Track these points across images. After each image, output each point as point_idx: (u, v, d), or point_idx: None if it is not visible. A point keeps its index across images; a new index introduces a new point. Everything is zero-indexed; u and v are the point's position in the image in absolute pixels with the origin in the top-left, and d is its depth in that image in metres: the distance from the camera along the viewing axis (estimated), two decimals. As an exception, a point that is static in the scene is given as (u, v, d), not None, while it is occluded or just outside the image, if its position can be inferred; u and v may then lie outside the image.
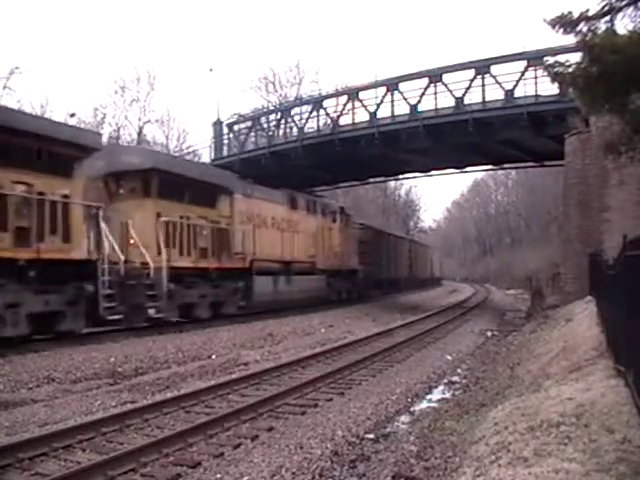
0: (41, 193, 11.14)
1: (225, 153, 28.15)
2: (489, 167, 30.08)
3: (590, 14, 6.74)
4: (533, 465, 3.63)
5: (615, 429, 4.00)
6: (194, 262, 15.74)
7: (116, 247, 12.55)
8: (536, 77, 18.27)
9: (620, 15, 6.85)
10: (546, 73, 8.65)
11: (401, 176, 33.10)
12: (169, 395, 8.17)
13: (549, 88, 17.20)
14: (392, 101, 21.60)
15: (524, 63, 18.56)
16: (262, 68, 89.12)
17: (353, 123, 22.90)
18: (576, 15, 6.71)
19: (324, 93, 26.85)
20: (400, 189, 65.89)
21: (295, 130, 25.48)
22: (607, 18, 6.85)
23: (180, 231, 15.37)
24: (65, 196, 11.74)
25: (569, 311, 13.37)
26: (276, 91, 47.08)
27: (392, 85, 21.59)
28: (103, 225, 12.33)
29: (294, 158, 23.88)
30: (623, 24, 6.91)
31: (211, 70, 65.72)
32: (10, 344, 10.41)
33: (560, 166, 20.14)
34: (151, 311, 13.69)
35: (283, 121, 26.50)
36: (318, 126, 24.50)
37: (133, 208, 14.15)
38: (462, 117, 19.60)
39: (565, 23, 6.76)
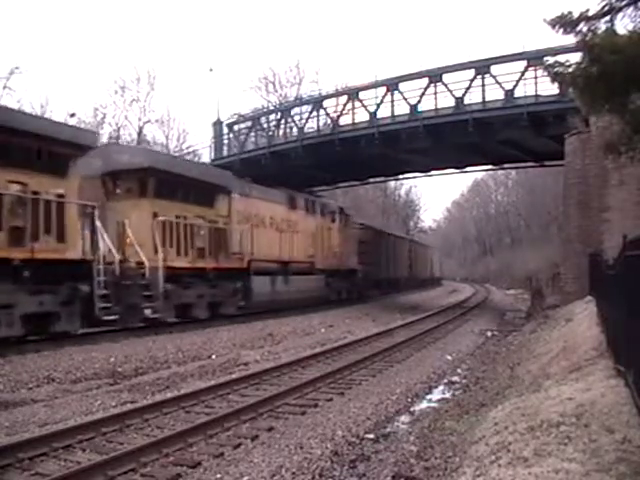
0: (35, 192, 11.03)
1: (225, 153, 28.14)
2: (489, 167, 30.09)
3: (590, 14, 6.74)
4: (533, 465, 3.63)
5: (615, 429, 4.00)
6: (191, 262, 15.68)
7: (112, 247, 12.48)
8: (536, 77, 18.28)
9: (620, 15, 6.85)
10: (546, 73, 8.65)
11: (401, 176, 33.11)
12: (169, 395, 8.17)
13: (549, 88, 17.22)
14: (392, 101, 21.60)
15: (524, 63, 18.56)
16: (262, 68, 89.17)
17: (353, 123, 22.90)
18: (576, 15, 6.71)
19: (324, 93, 26.86)
20: (400, 189, 65.99)
21: (295, 130, 25.47)
22: (607, 18, 6.85)
23: (177, 231, 15.30)
24: (60, 195, 11.63)
25: (569, 311, 13.37)
26: (276, 91, 47.15)
27: (392, 85, 21.58)
28: (98, 224, 12.24)
29: (294, 158, 23.88)
30: (623, 24, 6.92)
31: (211, 70, 65.81)
32: (5, 345, 10.33)
33: (560, 166, 20.14)
34: (147, 311, 13.62)
35: (283, 121, 26.49)
36: (318, 126, 24.50)
37: (130, 208, 14.12)
38: (462, 117, 19.60)
39: (565, 23, 6.76)
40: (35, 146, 11.11)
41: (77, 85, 70.14)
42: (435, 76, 20.34)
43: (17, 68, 33.47)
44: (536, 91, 18.51)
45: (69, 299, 11.69)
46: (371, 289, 30.57)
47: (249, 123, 28.10)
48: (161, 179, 14.83)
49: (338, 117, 23.23)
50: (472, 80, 19.64)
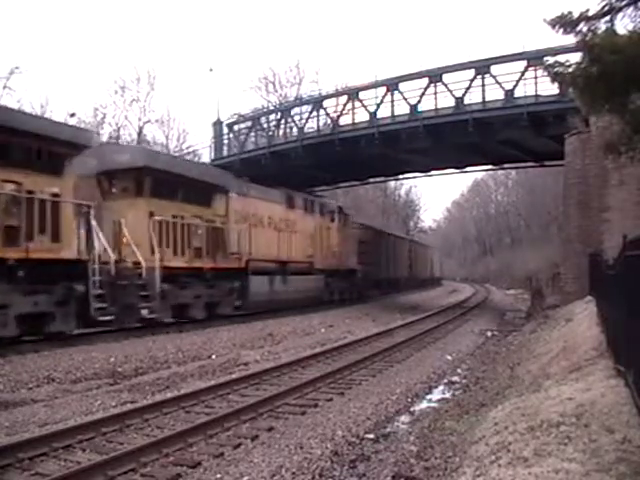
0: (30, 192, 10.94)
1: (225, 153, 28.13)
2: (489, 167, 30.08)
3: (590, 14, 6.74)
4: (533, 465, 3.63)
5: (615, 429, 4.00)
6: (188, 262, 15.58)
7: (107, 247, 12.37)
8: (536, 77, 18.27)
9: (620, 15, 6.85)
10: (546, 73, 8.65)
11: (401, 176, 33.10)
12: (169, 395, 8.17)
13: (549, 88, 17.21)
14: (392, 101, 21.59)
15: (524, 63, 18.55)
16: (262, 68, 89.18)
17: (353, 123, 22.89)
18: (576, 15, 6.71)
19: (324, 93, 26.85)
20: (400, 189, 65.99)
21: (295, 130, 25.46)
22: (607, 18, 6.85)
23: (174, 230, 15.20)
24: (55, 194, 11.53)
25: (569, 311, 13.38)
26: (276, 91, 47.14)
27: (392, 85, 21.57)
28: (94, 224, 12.12)
29: (294, 158, 23.87)
30: (623, 24, 6.92)
31: (211, 70, 65.64)
32: (1, 345, 10.30)
33: (560, 166, 20.14)
34: (144, 311, 13.55)
35: (283, 121, 26.48)
36: (318, 126, 24.49)
37: (126, 207, 14.05)
38: (462, 117, 19.59)
39: (565, 23, 6.76)
40: (30, 145, 11.01)
41: (77, 85, 70.21)
42: (435, 76, 20.33)
43: (17, 68, 33.48)
44: (536, 91, 18.50)
45: (64, 299, 11.56)
46: (371, 289, 30.53)
47: (249, 123, 28.09)
48: (157, 178, 14.72)
49: (338, 117, 23.23)
50: (472, 80, 19.63)
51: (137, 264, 13.44)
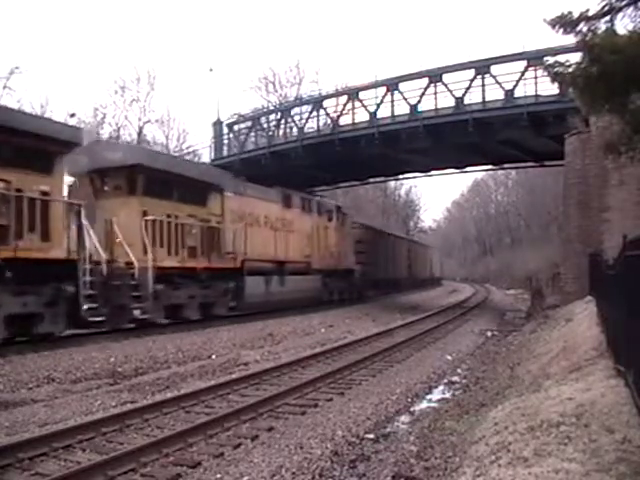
0: (19, 190, 10.70)
1: (225, 153, 28.13)
2: (489, 167, 30.10)
3: (590, 14, 6.74)
4: (533, 465, 3.63)
5: (615, 429, 4.00)
6: (182, 262, 15.27)
7: (99, 246, 12.17)
8: (536, 77, 18.29)
9: (620, 15, 6.86)
10: (546, 73, 8.66)
11: (401, 176, 33.12)
12: (169, 395, 8.16)
13: (549, 88, 17.23)
14: (392, 101, 21.61)
15: (524, 63, 18.57)
16: (262, 68, 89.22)
17: (353, 123, 22.90)
18: (576, 15, 6.71)
19: (324, 93, 26.87)
20: (400, 189, 66.05)
21: (295, 130, 25.47)
22: (607, 18, 6.86)
23: (167, 230, 14.89)
24: (45, 193, 11.27)
25: (569, 311, 13.38)
26: (276, 91, 47.18)
27: (392, 85, 21.58)
28: (85, 223, 11.85)
29: (294, 158, 23.88)
30: (623, 24, 6.93)
31: (211, 70, 65.60)
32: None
33: (560, 166, 20.15)
34: (136, 312, 13.33)
35: (283, 121, 26.50)
36: (318, 126, 24.50)
37: (118, 206, 13.80)
38: (462, 117, 19.61)
39: (565, 23, 6.76)
40: (19, 143, 10.77)
41: (77, 85, 70.31)
42: (435, 76, 20.34)
43: (17, 68, 33.56)
44: (536, 91, 18.52)
45: (53, 300, 11.26)
46: (369, 289, 30.46)
47: (249, 123, 28.10)
48: (150, 177, 14.41)
49: (338, 117, 23.24)
50: (472, 80, 19.65)
51: (129, 264, 13.18)
